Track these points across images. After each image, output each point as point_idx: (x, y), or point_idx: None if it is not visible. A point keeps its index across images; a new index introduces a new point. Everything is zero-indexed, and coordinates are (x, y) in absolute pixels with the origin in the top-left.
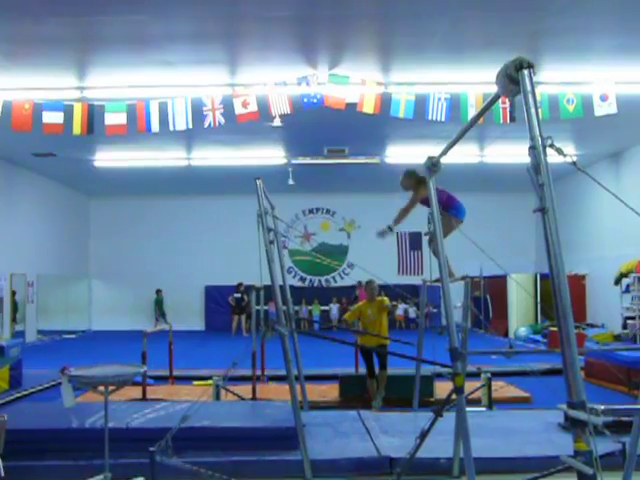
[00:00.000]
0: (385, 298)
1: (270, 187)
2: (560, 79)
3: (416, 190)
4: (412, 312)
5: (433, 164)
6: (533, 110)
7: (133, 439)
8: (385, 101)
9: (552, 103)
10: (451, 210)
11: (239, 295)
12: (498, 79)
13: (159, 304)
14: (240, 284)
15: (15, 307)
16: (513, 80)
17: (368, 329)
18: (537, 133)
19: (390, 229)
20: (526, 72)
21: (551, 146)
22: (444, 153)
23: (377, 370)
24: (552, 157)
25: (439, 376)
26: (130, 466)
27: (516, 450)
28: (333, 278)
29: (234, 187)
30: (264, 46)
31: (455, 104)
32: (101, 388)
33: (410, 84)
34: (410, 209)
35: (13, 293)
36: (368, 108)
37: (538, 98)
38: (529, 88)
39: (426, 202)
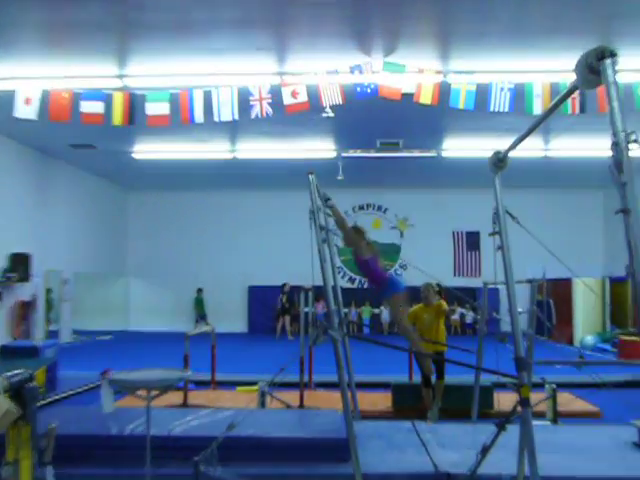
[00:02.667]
0: (443, 302)
1: (319, 182)
2: (635, 66)
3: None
4: (469, 317)
5: (499, 159)
6: (616, 103)
7: (176, 447)
8: (444, 91)
9: (626, 92)
10: (387, 289)
11: (281, 295)
12: (577, 69)
13: (200, 304)
14: (285, 284)
15: (50, 306)
16: (593, 70)
17: (424, 334)
18: (620, 128)
19: (328, 204)
20: (608, 62)
21: (635, 141)
22: (513, 147)
23: (433, 378)
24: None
25: (499, 386)
26: (173, 476)
27: (585, 469)
28: None
29: (280, 181)
30: (314, 32)
31: (519, 94)
32: (142, 393)
33: (471, 72)
34: (344, 231)
35: (48, 291)
36: (425, 98)
37: None
38: (612, 79)
39: (359, 260)
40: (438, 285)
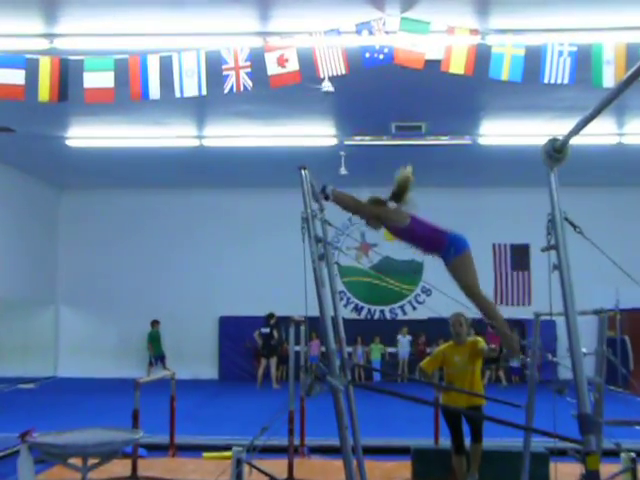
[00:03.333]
0: (479, 339)
1: (315, 178)
2: None
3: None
4: (516, 359)
5: (556, 149)
6: None
7: None
8: (481, 57)
9: None
10: (448, 250)
11: (268, 330)
12: None
13: (155, 341)
14: (271, 315)
15: None
16: None
17: (455, 383)
18: None
19: (325, 195)
20: None
21: None
22: (576, 132)
23: (468, 443)
24: None
25: (557, 454)
26: None
27: None
28: (401, 308)
29: (263, 178)
30: None
31: (584, 60)
32: (76, 462)
33: (518, 31)
34: (363, 214)
35: None
36: (457, 67)
37: None
38: None
39: (399, 233)
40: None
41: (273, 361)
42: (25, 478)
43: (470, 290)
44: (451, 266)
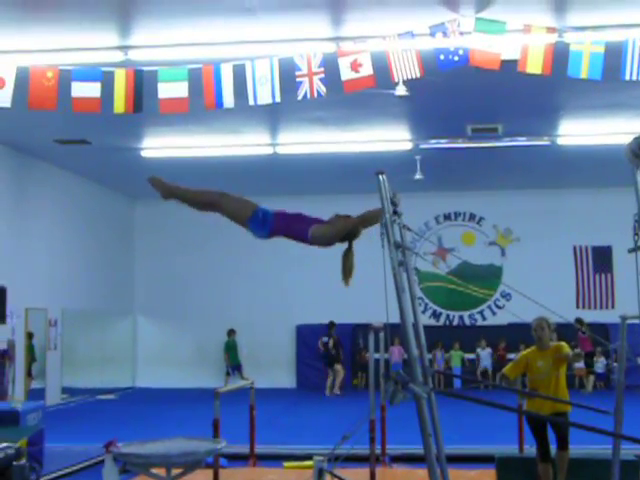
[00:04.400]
0: (564, 344)
1: (390, 183)
2: None
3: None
4: (601, 364)
5: None
6: None
7: None
8: (559, 56)
9: None
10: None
11: (327, 339)
12: None
13: (232, 351)
14: (332, 324)
15: (32, 355)
16: None
17: (539, 389)
18: None
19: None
20: None
21: None
22: None
23: (553, 450)
24: None
25: None
26: None
27: None
28: (481, 313)
29: (337, 184)
30: None
31: None
32: (160, 472)
33: (597, 28)
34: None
35: (29, 336)
36: (534, 67)
37: None
38: None
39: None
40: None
41: (339, 370)
42: None
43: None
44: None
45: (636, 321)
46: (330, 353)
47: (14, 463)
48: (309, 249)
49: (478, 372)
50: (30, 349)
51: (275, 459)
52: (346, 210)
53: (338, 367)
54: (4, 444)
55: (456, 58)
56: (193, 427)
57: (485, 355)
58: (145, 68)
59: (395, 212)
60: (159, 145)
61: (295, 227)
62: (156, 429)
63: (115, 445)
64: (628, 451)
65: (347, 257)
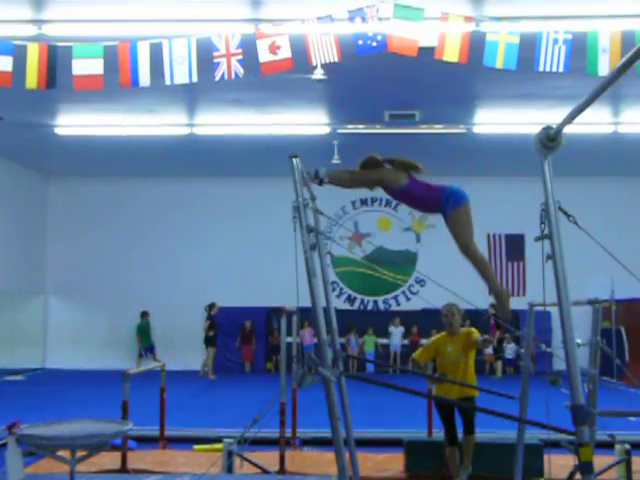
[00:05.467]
0: (473, 330)
1: (307, 167)
2: None
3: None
4: (510, 350)
5: (550, 137)
6: None
7: None
8: (476, 44)
9: None
10: (446, 204)
11: (208, 321)
12: None
13: (145, 333)
14: (212, 305)
15: None
16: None
17: (447, 374)
18: None
19: (319, 180)
20: None
21: None
22: (569, 120)
23: (460, 434)
24: None
25: (551, 445)
26: None
27: None
28: (395, 299)
29: (255, 167)
30: None
31: (579, 48)
32: (65, 454)
33: (513, 19)
34: (362, 184)
35: None
36: (451, 55)
37: None
38: None
39: (397, 194)
40: (469, 310)
41: (211, 352)
42: (14, 471)
43: (466, 246)
44: (449, 219)
45: (543, 309)
46: (207, 335)
47: None
48: (224, 230)
49: (391, 357)
50: None
51: (185, 442)
52: (262, 193)
53: (210, 349)
54: None
55: (374, 44)
56: (103, 409)
57: (397, 333)
58: (59, 43)
59: (316, 173)
60: (74, 123)
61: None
62: (64, 411)
63: (18, 427)
64: (532, 435)
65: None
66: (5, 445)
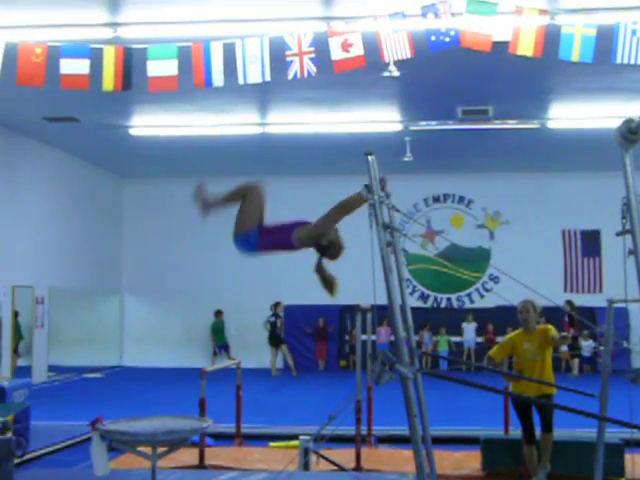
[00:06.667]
0: (550, 327)
1: (379, 165)
2: None
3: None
4: (587, 347)
5: (631, 130)
6: None
7: None
8: (551, 38)
9: None
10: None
11: (274, 319)
12: None
13: (220, 331)
14: (277, 303)
15: (18, 333)
16: None
17: (524, 372)
18: None
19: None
20: None
21: None
22: None
23: (538, 433)
24: None
25: (633, 445)
26: None
27: None
28: (468, 296)
29: (326, 164)
30: None
31: None
32: (146, 450)
33: (589, 11)
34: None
35: (15, 314)
36: (525, 49)
37: None
38: None
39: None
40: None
41: (284, 349)
42: (100, 464)
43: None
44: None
45: (622, 305)
46: (277, 333)
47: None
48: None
49: (464, 354)
50: (16, 328)
51: (261, 439)
52: (334, 191)
53: (285, 347)
54: None
55: (447, 39)
56: (180, 406)
57: (470, 330)
58: (134, 46)
59: (384, 192)
60: (148, 123)
61: (279, 239)
62: (142, 408)
63: (101, 422)
64: (613, 434)
65: (321, 270)
66: (87, 440)
